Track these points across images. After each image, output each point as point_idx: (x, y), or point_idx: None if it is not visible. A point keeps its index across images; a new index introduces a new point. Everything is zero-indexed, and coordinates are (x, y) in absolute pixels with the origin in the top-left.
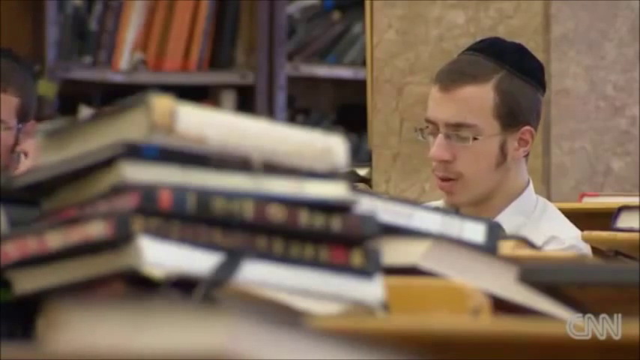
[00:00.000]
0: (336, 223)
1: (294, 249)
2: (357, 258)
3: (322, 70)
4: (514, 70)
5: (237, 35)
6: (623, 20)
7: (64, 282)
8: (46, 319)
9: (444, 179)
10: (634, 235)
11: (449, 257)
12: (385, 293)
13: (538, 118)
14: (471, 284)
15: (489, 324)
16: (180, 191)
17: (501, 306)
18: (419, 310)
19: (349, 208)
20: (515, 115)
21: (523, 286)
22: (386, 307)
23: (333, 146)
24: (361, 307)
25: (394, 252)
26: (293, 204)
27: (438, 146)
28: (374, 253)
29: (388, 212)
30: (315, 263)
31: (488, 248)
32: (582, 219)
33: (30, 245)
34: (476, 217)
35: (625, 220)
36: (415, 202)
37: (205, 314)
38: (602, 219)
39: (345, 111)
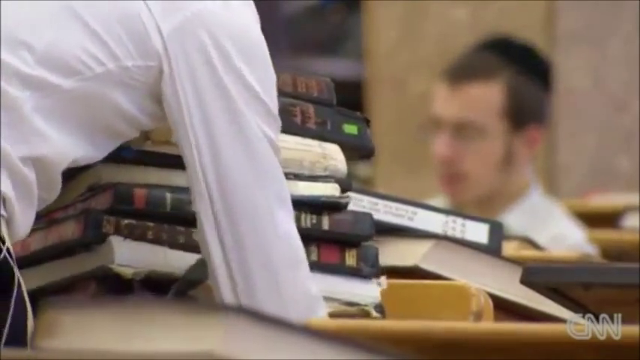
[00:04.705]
0: (327, 223)
1: None
2: (351, 258)
3: (321, 67)
4: (522, 69)
5: None
6: (628, 16)
7: (44, 284)
8: (42, 322)
9: (447, 178)
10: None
11: (451, 258)
12: (387, 294)
13: (545, 118)
14: (474, 285)
15: (490, 324)
16: (155, 190)
17: (504, 306)
18: (421, 311)
19: (343, 207)
20: (522, 114)
21: (526, 287)
22: (382, 309)
23: (331, 152)
24: (356, 309)
25: (396, 253)
26: None
27: (443, 144)
28: (370, 254)
29: (390, 212)
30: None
31: (492, 249)
32: (587, 218)
33: (14, 247)
34: (479, 217)
35: (631, 220)
36: (417, 202)
37: (199, 316)
38: (607, 218)
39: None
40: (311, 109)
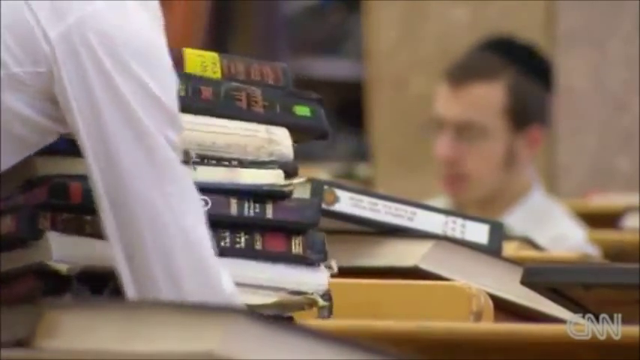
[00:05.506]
0: (271, 212)
1: (227, 238)
2: (297, 246)
3: (321, 67)
4: (524, 69)
5: (234, 32)
6: (628, 16)
7: None
8: (42, 323)
9: (449, 178)
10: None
11: (451, 258)
12: (387, 295)
13: (547, 118)
14: (474, 285)
15: (490, 324)
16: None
17: (504, 307)
18: (421, 311)
19: (286, 196)
20: (524, 114)
21: (527, 288)
22: (330, 296)
23: (278, 137)
24: (303, 297)
25: (396, 253)
26: (225, 192)
27: (444, 144)
28: (317, 241)
29: (389, 212)
30: (250, 252)
31: (492, 249)
32: (588, 218)
33: None
34: (479, 218)
35: (631, 220)
36: (417, 202)
37: (199, 316)
38: (607, 218)
39: (345, 109)
40: (258, 92)
